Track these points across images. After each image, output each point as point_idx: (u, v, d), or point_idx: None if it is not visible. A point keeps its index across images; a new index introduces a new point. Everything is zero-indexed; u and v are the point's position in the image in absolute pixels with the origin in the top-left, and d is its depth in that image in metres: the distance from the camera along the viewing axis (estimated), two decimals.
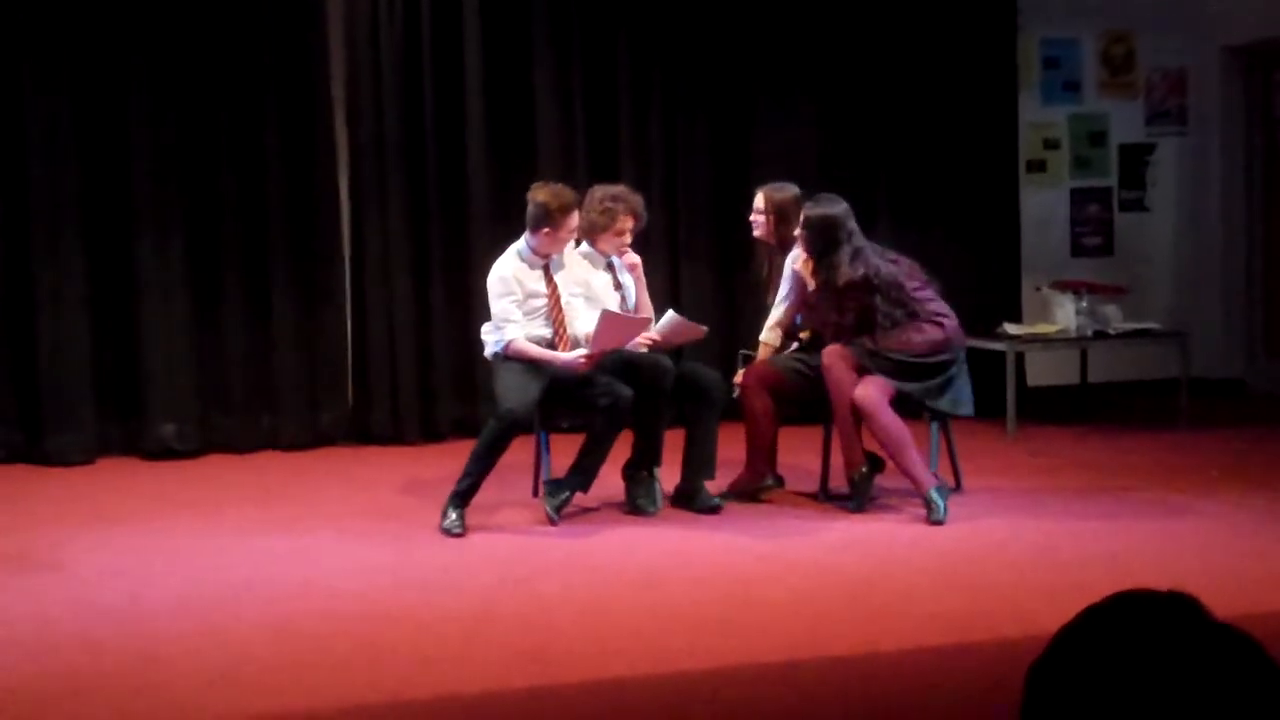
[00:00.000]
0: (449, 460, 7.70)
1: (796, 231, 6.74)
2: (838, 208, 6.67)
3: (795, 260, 6.85)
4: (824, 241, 6.62)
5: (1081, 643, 1.64)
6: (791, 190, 7.06)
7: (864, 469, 6.60)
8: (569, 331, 6.69)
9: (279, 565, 6.09)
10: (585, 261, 6.88)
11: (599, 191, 6.90)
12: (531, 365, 6.58)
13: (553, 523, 6.56)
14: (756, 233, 7.13)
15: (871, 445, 6.62)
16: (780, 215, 7.00)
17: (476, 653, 4.95)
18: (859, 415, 6.53)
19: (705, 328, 7.04)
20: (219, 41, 8.37)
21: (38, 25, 8.08)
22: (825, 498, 6.93)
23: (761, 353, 7.01)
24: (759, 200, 7.09)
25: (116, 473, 8.14)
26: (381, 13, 8.57)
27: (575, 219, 6.64)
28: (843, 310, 6.62)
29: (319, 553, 6.29)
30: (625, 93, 8.91)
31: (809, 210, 6.68)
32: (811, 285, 6.72)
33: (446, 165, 8.72)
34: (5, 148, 8.15)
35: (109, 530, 6.74)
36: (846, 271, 6.56)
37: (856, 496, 6.64)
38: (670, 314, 6.94)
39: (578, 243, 6.85)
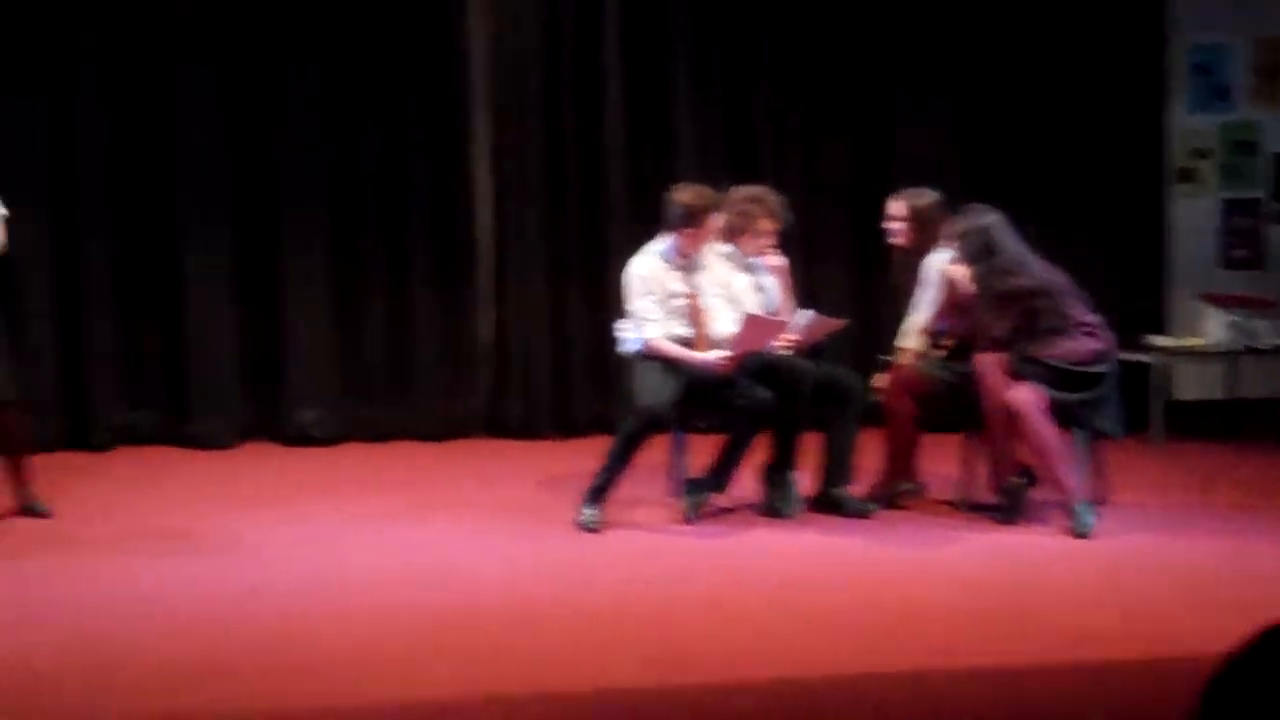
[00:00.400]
0: (583, 456, 7.71)
1: (948, 239, 6.65)
2: (990, 217, 6.60)
3: (941, 265, 6.76)
4: (983, 250, 6.53)
5: (1262, 665, 1.57)
6: (929, 196, 6.98)
7: (1019, 479, 6.50)
8: (707, 332, 6.65)
9: (417, 554, 6.14)
10: (726, 262, 6.85)
11: (739, 193, 6.87)
12: (670, 364, 6.56)
13: (689, 522, 6.54)
14: (893, 240, 7.05)
15: (1020, 456, 6.50)
16: (919, 222, 6.92)
17: (611, 649, 4.94)
18: (1012, 422, 6.42)
19: (844, 320, 6.98)
20: (365, 39, 8.48)
21: (194, 27, 8.24)
22: (966, 506, 6.83)
23: (904, 357, 6.92)
24: (896, 207, 7.01)
25: (257, 457, 8.27)
26: (523, 11, 8.60)
27: (717, 220, 6.61)
28: (1001, 317, 6.50)
29: (455, 543, 6.32)
30: (765, 94, 8.86)
31: (962, 223, 6.60)
32: (965, 291, 6.62)
33: (585, 162, 8.74)
34: (156, 140, 8.31)
35: (251, 513, 6.84)
36: (1009, 279, 6.46)
37: (1007, 507, 6.53)
38: (806, 311, 6.87)
39: (721, 243, 6.82)
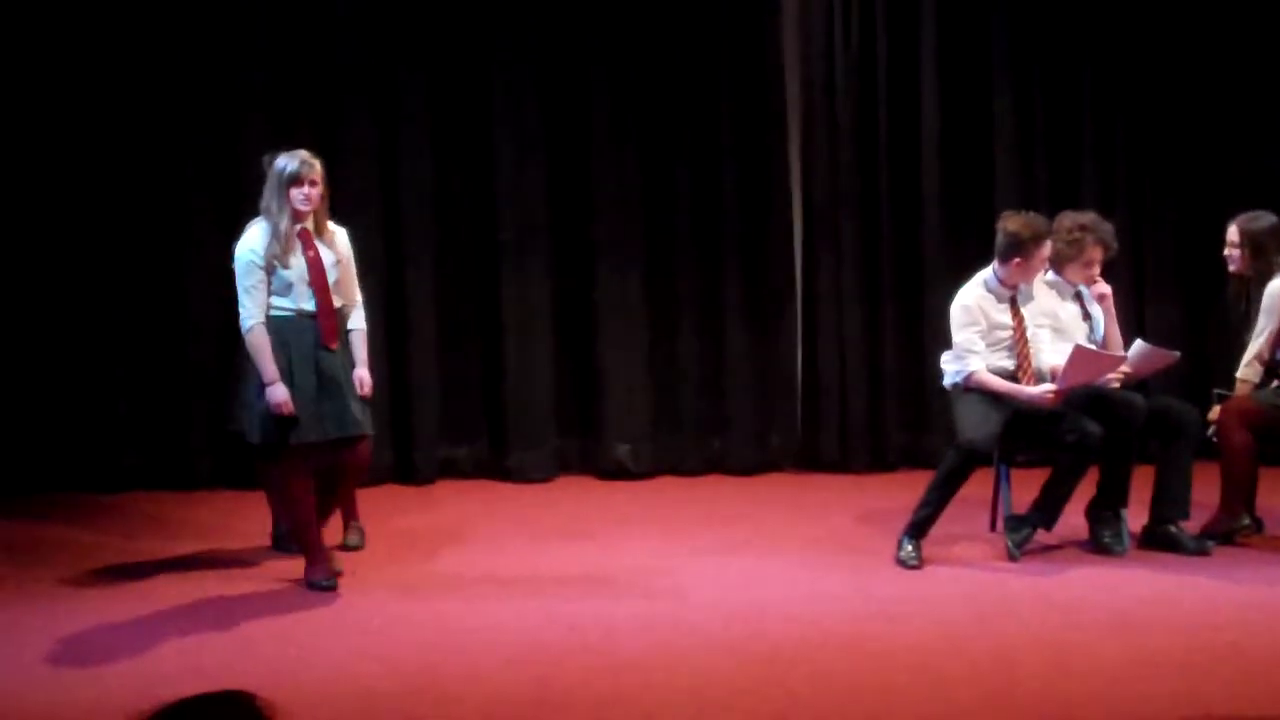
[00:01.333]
0: (898, 490, 7.61)
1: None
2: None
3: (1277, 291, 6.45)
4: None
5: None
6: (1267, 220, 6.69)
7: None
8: (1033, 364, 6.48)
9: (733, 589, 6.14)
10: (1052, 291, 6.67)
11: (1067, 220, 6.69)
12: (993, 397, 6.41)
13: (1013, 559, 6.37)
14: (1232, 267, 6.77)
15: None
16: (1255, 247, 6.66)
17: (939, 689, 4.84)
18: None
19: (1177, 353, 6.72)
20: (676, 69, 8.53)
21: (510, 60, 8.43)
22: None
23: (1240, 389, 6.63)
24: (1232, 232, 6.76)
25: (574, 490, 8.39)
26: (836, 36, 8.55)
27: (1047, 249, 6.45)
28: None
29: (772, 578, 6.30)
30: (1088, 123, 8.59)
31: None
32: None
33: (899, 193, 8.62)
34: (476, 174, 8.53)
35: (572, 546, 6.95)
36: None
37: None
38: (1139, 343, 6.64)
39: (1045, 272, 6.64)
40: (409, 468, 8.47)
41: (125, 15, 8.24)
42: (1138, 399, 6.44)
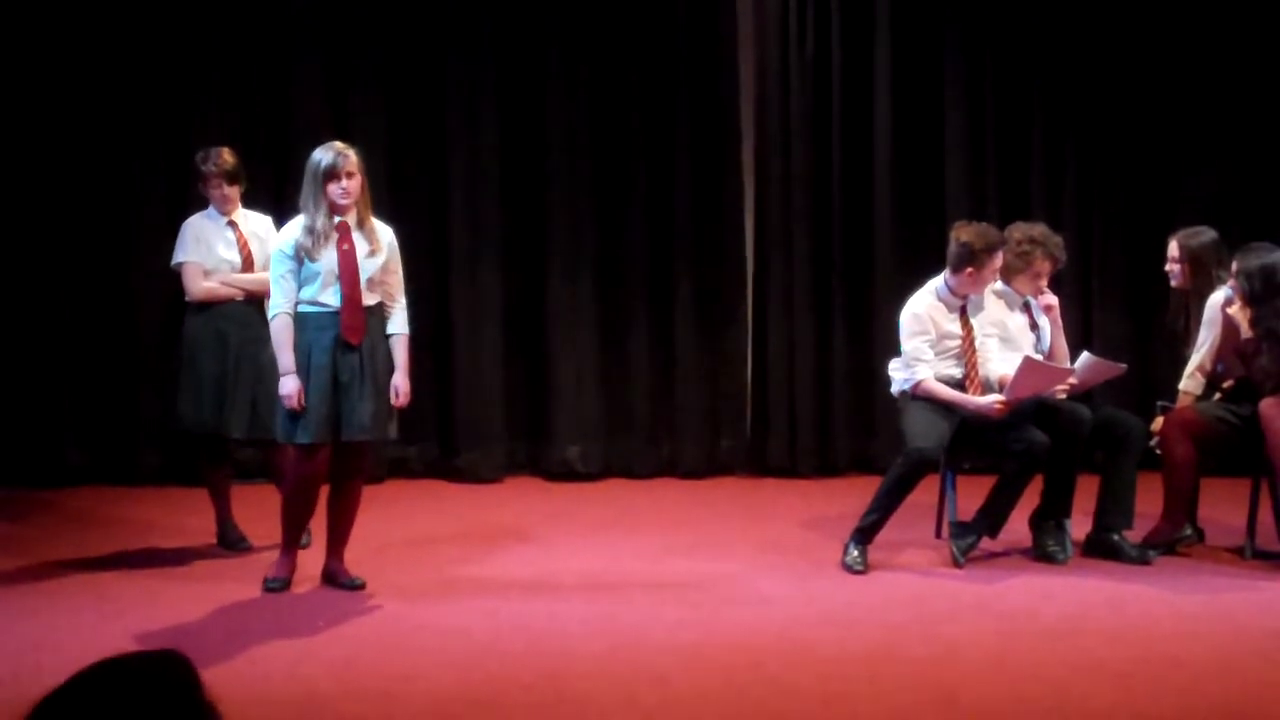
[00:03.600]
0: (846, 496, 7.65)
1: (1232, 280, 6.41)
2: (1275, 255, 6.36)
3: (1220, 304, 6.52)
4: (1265, 289, 6.29)
5: None
6: (1208, 235, 6.75)
7: None
8: (980, 373, 6.53)
9: (680, 592, 6.13)
10: (1001, 301, 6.71)
11: (1018, 232, 6.73)
12: (941, 405, 6.45)
13: (958, 565, 6.41)
14: (1173, 282, 6.83)
15: None
16: (1195, 262, 6.71)
17: (882, 694, 4.86)
18: None
19: (1124, 365, 6.79)
20: (632, 81, 8.57)
21: (463, 65, 8.43)
22: (1252, 554, 6.55)
23: (1182, 400, 6.69)
24: (1172, 248, 6.82)
25: (523, 491, 8.39)
26: (791, 44, 8.59)
27: (999, 259, 6.49)
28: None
29: (719, 581, 6.31)
30: (1039, 134, 8.66)
31: (1242, 261, 6.38)
32: (1247, 333, 6.37)
33: (851, 201, 8.67)
34: (430, 184, 8.53)
35: (520, 547, 6.96)
36: None
37: None
38: (1086, 355, 6.69)
39: (995, 281, 6.69)
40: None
41: (77, 10, 8.20)
42: (1083, 411, 6.50)
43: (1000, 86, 8.65)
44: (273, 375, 6.09)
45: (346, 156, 5.88)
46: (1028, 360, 6.36)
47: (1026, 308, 6.78)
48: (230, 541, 6.77)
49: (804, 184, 8.64)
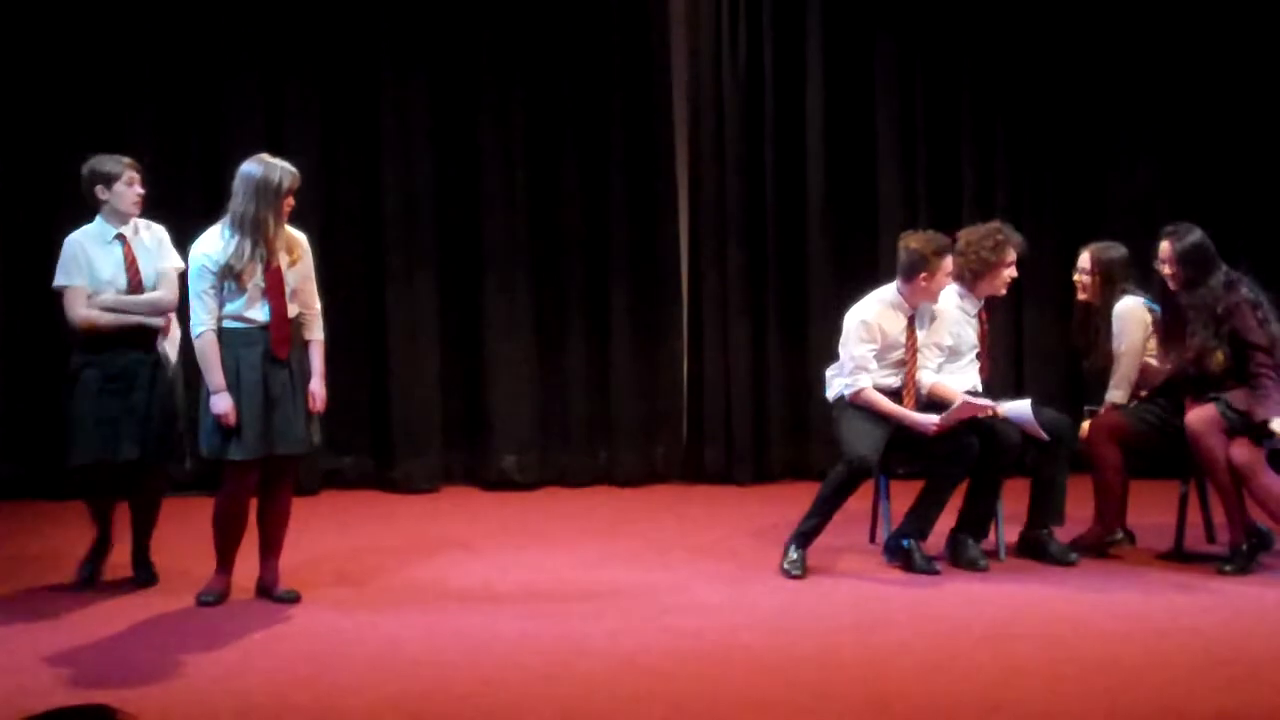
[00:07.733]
0: (782, 502, 7.69)
1: (1168, 271, 6.44)
2: (1198, 233, 6.43)
3: (1129, 313, 6.61)
4: (1199, 269, 6.37)
5: None
6: (1119, 250, 6.80)
7: (1253, 539, 6.33)
8: (916, 377, 6.56)
9: (617, 600, 6.15)
10: (960, 311, 6.71)
11: (975, 234, 6.70)
12: (877, 413, 6.48)
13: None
14: (1081, 295, 6.85)
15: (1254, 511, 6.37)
16: (1106, 276, 6.74)
17: (818, 698, 4.90)
18: (1236, 480, 6.26)
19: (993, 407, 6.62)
20: (566, 90, 8.58)
21: (397, 73, 8.41)
22: (1181, 556, 6.64)
23: (1109, 405, 6.76)
24: (1084, 260, 6.83)
25: (459, 501, 8.37)
26: (724, 53, 8.64)
27: (949, 264, 6.51)
28: (1218, 337, 6.30)
29: (657, 589, 6.33)
30: (968, 140, 8.74)
31: (1176, 243, 6.40)
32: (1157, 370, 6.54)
33: (784, 207, 8.71)
34: (364, 193, 8.51)
35: (456, 557, 6.94)
36: (1223, 295, 6.29)
37: (1237, 561, 6.36)
38: (1022, 405, 6.60)
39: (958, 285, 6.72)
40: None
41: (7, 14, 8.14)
42: (1016, 439, 6.52)
43: (931, 93, 8.72)
44: (170, 392, 6.11)
45: (296, 174, 5.92)
46: (965, 403, 6.39)
47: (979, 316, 6.81)
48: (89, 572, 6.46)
49: (738, 194, 8.67)
